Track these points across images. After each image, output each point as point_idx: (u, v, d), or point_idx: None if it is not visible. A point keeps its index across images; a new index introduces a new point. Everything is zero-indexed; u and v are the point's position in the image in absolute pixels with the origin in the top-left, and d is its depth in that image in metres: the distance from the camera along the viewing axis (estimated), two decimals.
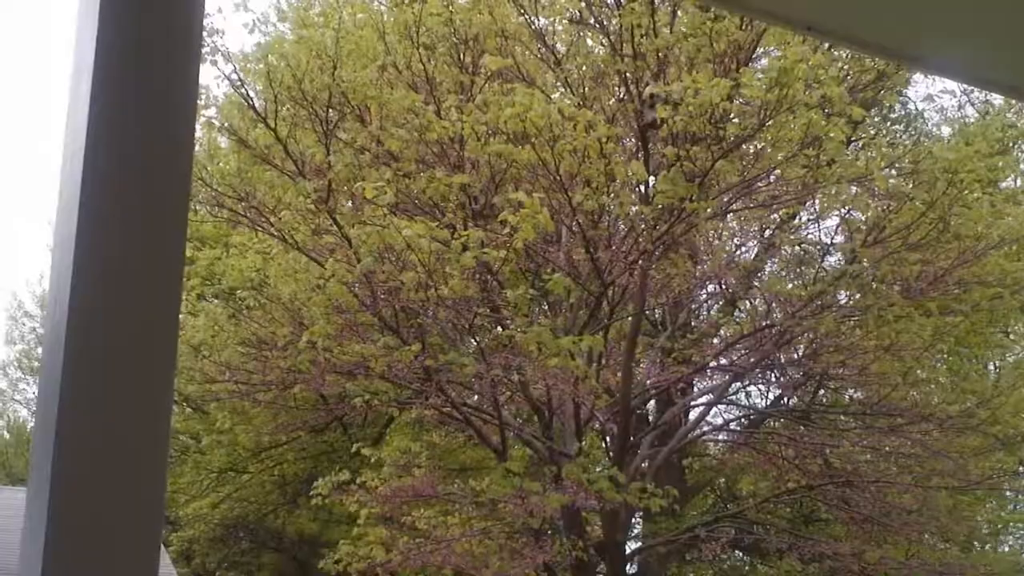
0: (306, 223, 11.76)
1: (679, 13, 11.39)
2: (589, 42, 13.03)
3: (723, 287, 15.01)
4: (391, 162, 11.27)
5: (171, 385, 1.29)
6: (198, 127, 11.95)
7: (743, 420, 16.71)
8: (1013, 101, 14.75)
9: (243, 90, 11.19)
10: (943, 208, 11.67)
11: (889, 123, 19.30)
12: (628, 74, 10.85)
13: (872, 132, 17.77)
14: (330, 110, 11.09)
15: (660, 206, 10.65)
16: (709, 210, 11.15)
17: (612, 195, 10.93)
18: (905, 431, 13.17)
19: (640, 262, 11.48)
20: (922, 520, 13.97)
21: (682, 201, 10.33)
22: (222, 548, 22.95)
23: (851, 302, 12.95)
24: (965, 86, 16.58)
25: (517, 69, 12.15)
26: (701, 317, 17.01)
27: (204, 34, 9.85)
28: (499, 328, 13.10)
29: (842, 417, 14.95)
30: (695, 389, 15.34)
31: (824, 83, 9.91)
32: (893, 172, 12.43)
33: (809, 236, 16.12)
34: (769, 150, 11.81)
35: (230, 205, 12.15)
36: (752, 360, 13.52)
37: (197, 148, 13.05)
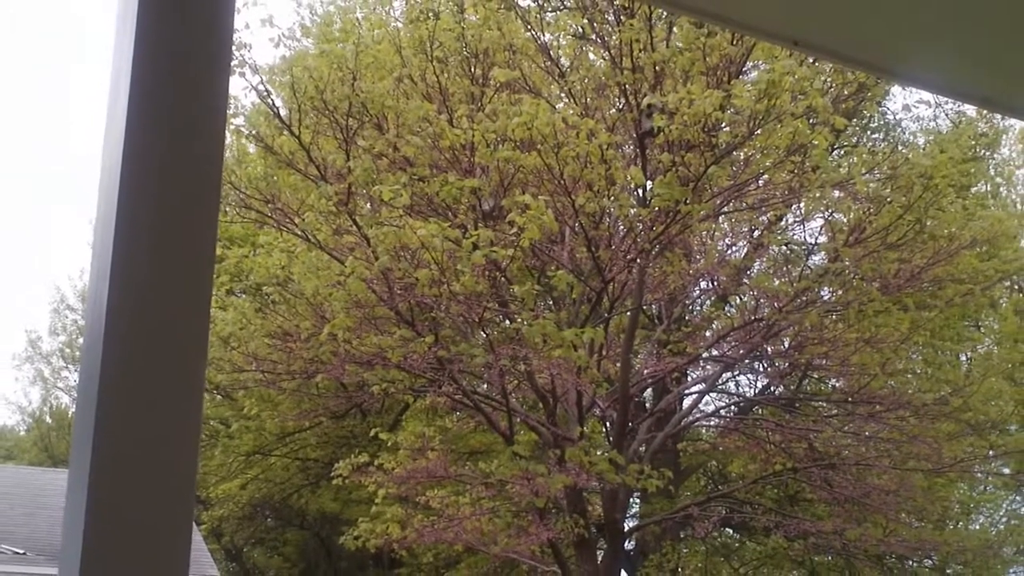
0: (328, 224, 11.76)
1: (675, 29, 11.38)
2: (591, 56, 13.00)
3: (715, 284, 14.99)
4: (407, 167, 11.26)
5: (202, 374, 1.29)
6: (227, 134, 11.97)
7: (733, 407, 16.70)
8: (985, 112, 14.70)
9: (269, 100, 11.19)
10: (919, 211, 11.68)
11: (869, 132, 19.24)
12: (627, 86, 10.83)
13: (853, 140, 17.74)
14: (350, 119, 11.08)
15: (657, 208, 10.63)
16: (702, 212, 11.14)
17: (612, 198, 10.91)
18: (884, 418, 13.15)
19: (638, 260, 11.47)
20: (899, 500, 13.94)
21: (677, 204, 10.31)
22: (249, 526, 22.99)
23: (834, 298, 12.92)
24: (940, 97, 16.53)
25: (524, 81, 12.13)
26: (695, 311, 17.00)
27: (233, 48, 9.85)
28: (507, 321, 13.09)
29: (825, 404, 14.95)
30: (689, 378, 15.31)
31: (809, 94, 9.90)
32: (873, 177, 12.40)
33: (795, 236, 16.12)
34: (758, 156, 11.80)
35: (257, 207, 12.16)
36: (742, 351, 13.52)
37: (227, 154, 13.07)
